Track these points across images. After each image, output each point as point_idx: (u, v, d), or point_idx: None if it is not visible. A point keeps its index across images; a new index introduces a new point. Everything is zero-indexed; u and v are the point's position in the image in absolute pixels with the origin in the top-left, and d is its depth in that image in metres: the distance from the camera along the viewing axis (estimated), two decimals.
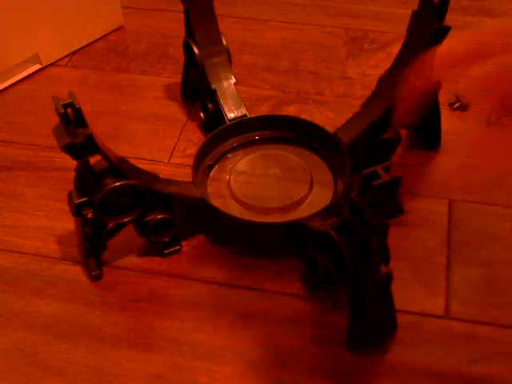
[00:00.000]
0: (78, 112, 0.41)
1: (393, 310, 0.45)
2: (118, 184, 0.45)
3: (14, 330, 0.48)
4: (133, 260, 0.52)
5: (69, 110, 0.40)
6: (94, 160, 0.44)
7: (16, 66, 0.70)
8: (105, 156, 0.44)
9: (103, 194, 0.45)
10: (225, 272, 0.51)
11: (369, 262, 0.41)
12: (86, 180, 0.45)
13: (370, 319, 0.45)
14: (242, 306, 0.49)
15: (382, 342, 0.46)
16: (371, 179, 0.36)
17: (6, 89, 0.70)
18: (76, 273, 0.52)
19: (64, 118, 0.40)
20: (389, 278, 0.43)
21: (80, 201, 0.46)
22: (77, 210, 0.46)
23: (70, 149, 0.42)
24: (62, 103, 0.40)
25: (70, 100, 0.40)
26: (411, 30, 0.54)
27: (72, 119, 0.41)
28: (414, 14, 0.53)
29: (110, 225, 0.49)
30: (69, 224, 0.53)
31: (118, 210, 0.47)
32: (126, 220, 0.48)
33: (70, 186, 0.47)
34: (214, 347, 0.47)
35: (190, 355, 0.46)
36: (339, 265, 0.43)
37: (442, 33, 0.51)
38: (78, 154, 0.42)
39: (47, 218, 0.56)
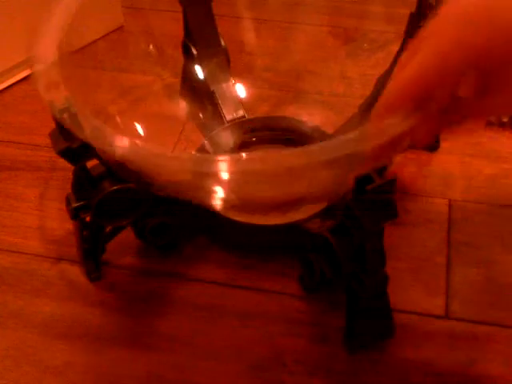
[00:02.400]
0: (75, 117, 0.40)
1: (389, 311, 0.45)
2: (115, 188, 0.45)
3: (14, 330, 0.48)
4: (133, 260, 0.52)
5: (65, 115, 0.40)
6: (94, 161, 0.44)
7: (16, 66, 0.70)
8: (102, 160, 0.44)
9: (101, 197, 0.44)
10: (225, 272, 0.51)
11: (364, 265, 0.41)
12: (84, 184, 0.45)
13: (366, 321, 0.45)
14: (242, 305, 0.49)
15: (379, 342, 0.46)
16: (365, 183, 0.36)
17: (5, 89, 0.70)
18: (75, 273, 0.52)
19: (60, 123, 0.40)
20: (384, 280, 0.43)
21: (77, 205, 0.45)
22: (74, 214, 0.46)
23: (66, 154, 0.42)
24: (58, 108, 0.40)
25: (66, 105, 0.40)
26: (409, 30, 0.54)
27: None
28: (412, 15, 0.53)
29: (109, 228, 0.49)
30: (69, 224, 0.53)
31: (116, 213, 0.47)
32: (123, 223, 0.48)
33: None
34: (214, 347, 0.47)
35: (190, 355, 0.46)
36: (336, 267, 0.43)
37: None
38: (75, 159, 0.42)
39: (47, 218, 0.56)
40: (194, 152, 0.58)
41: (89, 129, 0.37)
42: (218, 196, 0.46)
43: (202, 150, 0.57)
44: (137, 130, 0.64)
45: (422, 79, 0.33)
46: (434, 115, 0.34)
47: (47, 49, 0.43)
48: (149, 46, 0.76)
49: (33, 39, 0.43)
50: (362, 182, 0.36)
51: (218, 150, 0.58)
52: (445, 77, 0.32)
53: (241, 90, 0.65)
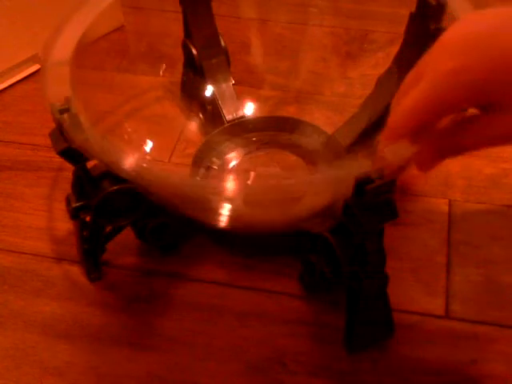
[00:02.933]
0: (75, 117, 0.40)
1: (389, 311, 0.45)
2: (115, 188, 0.45)
3: (14, 330, 0.48)
4: (133, 260, 0.52)
5: (65, 116, 0.40)
6: (94, 161, 0.44)
7: (16, 66, 0.70)
8: (102, 160, 0.44)
9: (101, 197, 0.44)
10: (225, 272, 0.51)
11: (364, 265, 0.41)
12: (84, 184, 0.45)
13: (366, 321, 0.45)
14: (242, 305, 0.49)
15: (378, 342, 0.46)
16: (365, 183, 0.36)
17: (5, 89, 0.70)
18: (76, 273, 0.52)
19: (60, 123, 0.40)
20: (384, 280, 0.43)
21: (77, 205, 0.45)
22: (74, 214, 0.46)
23: (66, 154, 0.42)
24: (57, 109, 0.40)
25: (66, 106, 0.40)
26: (409, 30, 0.54)
27: None
28: (412, 15, 0.53)
29: (109, 228, 0.49)
30: (69, 224, 0.53)
31: (116, 213, 0.47)
32: (123, 223, 0.48)
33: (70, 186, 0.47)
34: (214, 347, 0.47)
35: (189, 355, 0.46)
36: (336, 267, 0.43)
37: (439, 34, 0.51)
38: (75, 159, 0.42)
39: (47, 218, 0.56)
40: (194, 152, 0.58)
41: (97, 146, 0.38)
42: (219, 215, 0.46)
43: (201, 150, 0.57)
44: (137, 130, 0.64)
45: (423, 108, 0.34)
46: (436, 142, 0.35)
47: (62, 50, 0.44)
48: (149, 46, 0.76)
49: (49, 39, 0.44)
50: (362, 182, 0.36)
51: (218, 150, 0.58)
52: (444, 106, 0.33)
53: (241, 90, 0.65)
